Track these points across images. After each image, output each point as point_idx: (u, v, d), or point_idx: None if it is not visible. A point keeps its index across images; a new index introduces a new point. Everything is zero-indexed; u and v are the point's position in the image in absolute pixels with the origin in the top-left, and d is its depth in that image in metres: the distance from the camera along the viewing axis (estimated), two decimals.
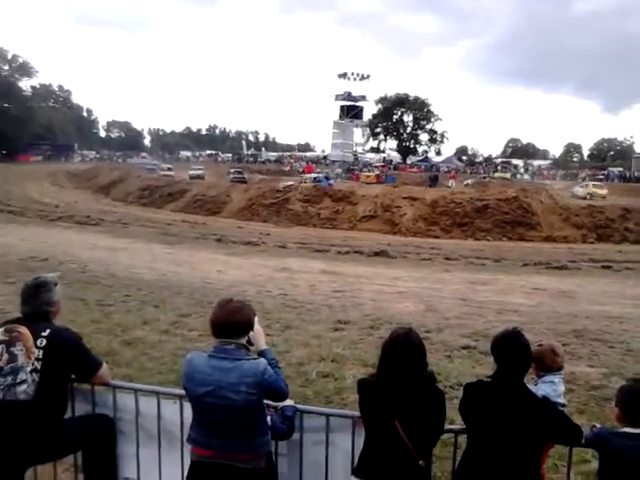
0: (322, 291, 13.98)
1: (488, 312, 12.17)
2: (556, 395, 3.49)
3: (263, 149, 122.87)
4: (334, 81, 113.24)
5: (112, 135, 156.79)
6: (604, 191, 48.18)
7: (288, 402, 3.58)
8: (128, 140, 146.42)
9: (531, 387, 3.34)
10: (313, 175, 55.99)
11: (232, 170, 60.36)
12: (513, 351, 3.18)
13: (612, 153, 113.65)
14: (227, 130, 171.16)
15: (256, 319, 3.53)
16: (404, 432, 3.11)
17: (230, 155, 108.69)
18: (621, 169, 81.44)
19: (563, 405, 3.54)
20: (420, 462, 3.15)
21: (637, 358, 9.09)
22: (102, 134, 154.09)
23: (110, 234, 25.02)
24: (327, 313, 11.33)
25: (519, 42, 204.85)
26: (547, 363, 3.57)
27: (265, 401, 3.37)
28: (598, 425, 3.39)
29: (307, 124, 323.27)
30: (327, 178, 52.51)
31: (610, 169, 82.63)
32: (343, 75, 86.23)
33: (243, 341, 3.32)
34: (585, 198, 43.72)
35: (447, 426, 3.42)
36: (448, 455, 3.78)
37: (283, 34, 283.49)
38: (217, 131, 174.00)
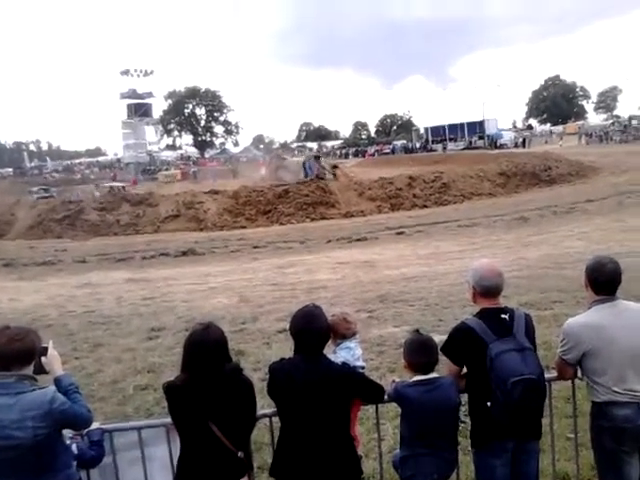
0: (130, 301, 13.38)
1: (299, 293, 12.58)
2: (354, 359, 3.69)
3: (48, 159, 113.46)
4: (117, 79, 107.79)
5: None
6: None
7: (93, 425, 3.34)
8: None
9: (330, 356, 3.48)
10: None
11: (35, 189, 51.71)
12: (306, 326, 3.27)
13: (395, 127, 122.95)
14: (3, 142, 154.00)
15: (50, 343, 3.26)
16: (218, 430, 3.09)
17: (10, 169, 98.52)
18: (404, 141, 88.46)
19: (362, 367, 3.76)
20: (239, 454, 3.15)
21: (434, 311, 10.02)
22: None
23: None
24: (138, 323, 10.88)
25: (300, 30, 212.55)
26: (341, 331, 3.75)
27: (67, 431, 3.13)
28: (397, 379, 3.63)
29: (94, 127, 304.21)
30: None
31: (394, 142, 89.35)
32: (125, 72, 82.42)
33: (27, 371, 3.02)
34: None
35: (260, 412, 3.45)
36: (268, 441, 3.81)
37: (57, 31, 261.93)
38: None
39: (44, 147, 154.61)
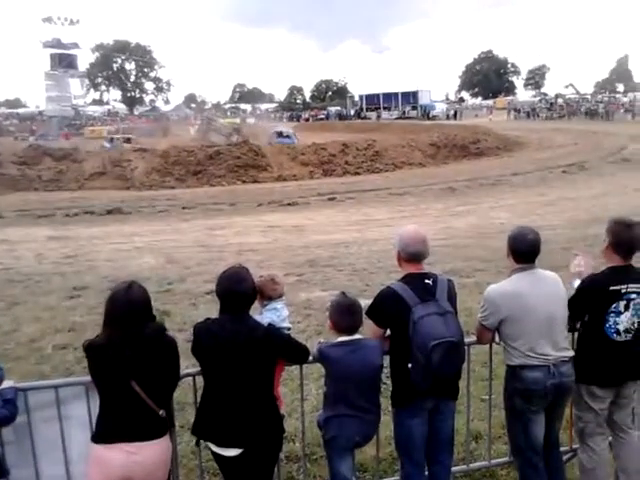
0: (52, 259, 12.94)
1: (228, 255, 12.49)
2: (280, 320, 3.70)
3: None
4: (39, 26, 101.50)
5: None
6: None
7: (6, 384, 3.22)
8: None
9: (257, 317, 3.48)
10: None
11: None
12: (232, 286, 3.25)
13: (330, 93, 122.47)
14: None
15: None
16: (140, 388, 3.04)
17: None
18: (339, 108, 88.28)
19: (288, 329, 3.77)
20: (160, 412, 3.12)
21: (361, 276, 10.20)
22: None
23: None
24: (59, 282, 10.55)
25: None
26: (268, 292, 3.74)
27: None
28: (323, 341, 3.67)
29: (14, 77, 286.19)
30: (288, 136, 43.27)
31: (329, 108, 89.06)
32: (48, 19, 77.46)
33: None
34: None
35: (184, 371, 3.42)
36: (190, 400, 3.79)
37: None
38: None
39: None
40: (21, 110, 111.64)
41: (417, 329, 3.27)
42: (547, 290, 3.56)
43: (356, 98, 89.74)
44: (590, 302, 3.64)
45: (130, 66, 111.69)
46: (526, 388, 3.52)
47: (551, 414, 3.65)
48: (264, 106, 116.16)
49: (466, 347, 3.63)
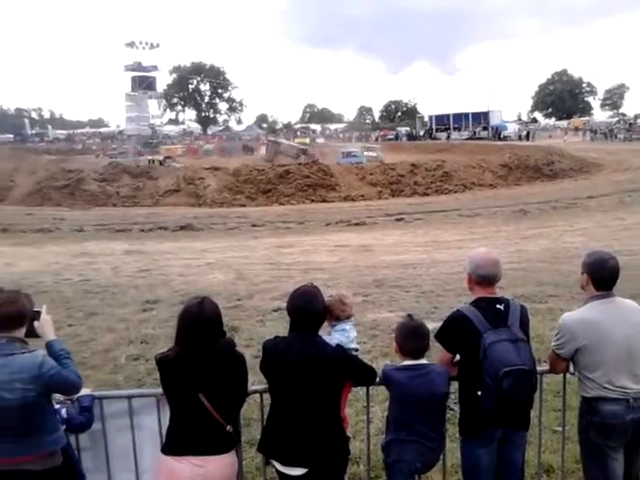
0: (127, 272, 13.40)
1: (296, 273, 12.58)
2: (349, 341, 3.68)
3: (50, 127, 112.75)
4: (122, 51, 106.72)
5: None
6: None
7: (84, 391, 3.35)
8: None
9: (325, 337, 3.48)
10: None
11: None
12: (304, 305, 3.26)
13: (399, 114, 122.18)
14: (4, 108, 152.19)
15: (44, 308, 3.27)
16: (209, 403, 3.09)
17: (11, 136, 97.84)
18: (408, 128, 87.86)
19: (356, 350, 3.75)
20: (228, 427, 3.16)
21: (429, 298, 10.04)
22: None
23: None
24: (133, 294, 10.90)
25: (306, 8, 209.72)
26: (336, 313, 3.74)
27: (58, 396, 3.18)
28: (389, 363, 3.64)
29: (98, 98, 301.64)
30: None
31: (398, 129, 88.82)
32: (131, 44, 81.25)
33: (18, 334, 3.03)
34: None
35: (251, 387, 3.46)
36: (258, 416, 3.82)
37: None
38: None
39: (46, 115, 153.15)
40: (103, 129, 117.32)
41: (488, 355, 3.19)
42: (626, 319, 3.39)
43: (425, 119, 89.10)
44: None
45: (205, 87, 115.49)
46: (603, 422, 3.35)
47: (631, 451, 3.44)
48: (333, 126, 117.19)
49: (538, 376, 3.51)
